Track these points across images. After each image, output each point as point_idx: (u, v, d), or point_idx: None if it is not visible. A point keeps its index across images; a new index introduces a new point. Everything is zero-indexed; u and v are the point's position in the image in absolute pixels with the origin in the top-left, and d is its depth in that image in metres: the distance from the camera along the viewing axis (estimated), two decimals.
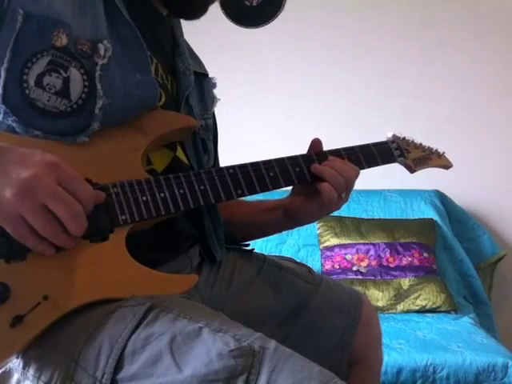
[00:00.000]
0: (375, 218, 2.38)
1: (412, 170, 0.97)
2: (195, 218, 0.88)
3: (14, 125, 0.68)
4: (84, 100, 0.70)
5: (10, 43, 0.68)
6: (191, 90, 0.88)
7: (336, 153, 0.88)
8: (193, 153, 0.88)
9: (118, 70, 0.73)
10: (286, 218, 0.92)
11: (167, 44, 0.89)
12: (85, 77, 0.70)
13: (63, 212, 0.61)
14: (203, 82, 0.97)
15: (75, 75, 0.70)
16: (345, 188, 0.84)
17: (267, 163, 0.82)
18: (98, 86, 0.71)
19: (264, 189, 0.81)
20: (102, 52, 0.72)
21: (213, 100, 1.00)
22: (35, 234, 0.61)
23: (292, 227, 0.97)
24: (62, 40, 0.70)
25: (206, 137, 0.93)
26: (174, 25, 0.92)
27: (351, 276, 2.17)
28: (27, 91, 0.68)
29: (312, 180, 0.85)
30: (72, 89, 0.70)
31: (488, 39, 2.46)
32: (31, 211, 0.60)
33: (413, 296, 2.09)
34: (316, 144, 0.88)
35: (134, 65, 0.76)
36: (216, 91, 1.01)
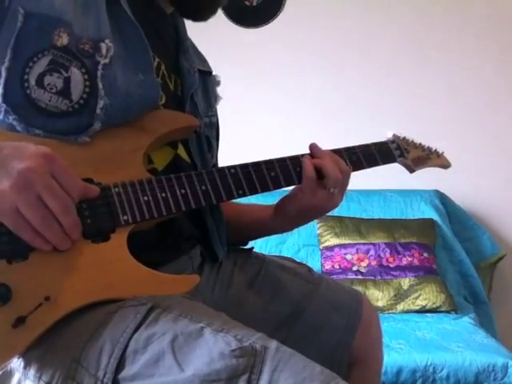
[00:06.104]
0: (375, 218, 2.38)
1: (411, 170, 0.97)
2: (197, 216, 0.88)
3: (15, 123, 0.68)
4: (85, 100, 0.70)
5: (11, 42, 0.68)
6: (196, 88, 0.88)
7: (337, 153, 0.88)
8: (197, 151, 0.88)
9: (120, 69, 0.73)
10: (275, 216, 0.90)
11: (171, 43, 0.89)
12: (86, 76, 0.70)
13: (55, 205, 0.61)
14: (207, 80, 0.97)
15: (76, 75, 0.70)
16: (341, 180, 0.83)
17: (268, 163, 0.82)
18: (100, 86, 0.70)
19: (265, 189, 0.81)
20: (103, 51, 0.71)
21: (216, 98, 1.00)
22: (31, 227, 0.61)
23: (288, 228, 0.94)
24: (63, 39, 0.69)
25: (210, 134, 0.93)
26: (178, 23, 0.92)
27: (351, 276, 2.17)
28: (28, 91, 0.68)
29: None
30: (73, 89, 0.69)
31: (488, 40, 2.46)
32: (27, 204, 0.60)
33: (413, 296, 2.09)
34: (313, 148, 0.87)
35: (136, 64, 0.75)
36: (218, 90, 1.01)
